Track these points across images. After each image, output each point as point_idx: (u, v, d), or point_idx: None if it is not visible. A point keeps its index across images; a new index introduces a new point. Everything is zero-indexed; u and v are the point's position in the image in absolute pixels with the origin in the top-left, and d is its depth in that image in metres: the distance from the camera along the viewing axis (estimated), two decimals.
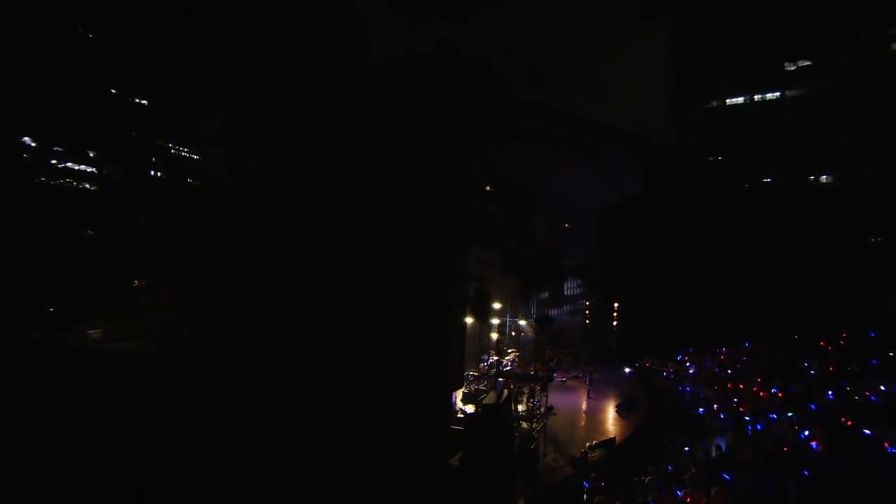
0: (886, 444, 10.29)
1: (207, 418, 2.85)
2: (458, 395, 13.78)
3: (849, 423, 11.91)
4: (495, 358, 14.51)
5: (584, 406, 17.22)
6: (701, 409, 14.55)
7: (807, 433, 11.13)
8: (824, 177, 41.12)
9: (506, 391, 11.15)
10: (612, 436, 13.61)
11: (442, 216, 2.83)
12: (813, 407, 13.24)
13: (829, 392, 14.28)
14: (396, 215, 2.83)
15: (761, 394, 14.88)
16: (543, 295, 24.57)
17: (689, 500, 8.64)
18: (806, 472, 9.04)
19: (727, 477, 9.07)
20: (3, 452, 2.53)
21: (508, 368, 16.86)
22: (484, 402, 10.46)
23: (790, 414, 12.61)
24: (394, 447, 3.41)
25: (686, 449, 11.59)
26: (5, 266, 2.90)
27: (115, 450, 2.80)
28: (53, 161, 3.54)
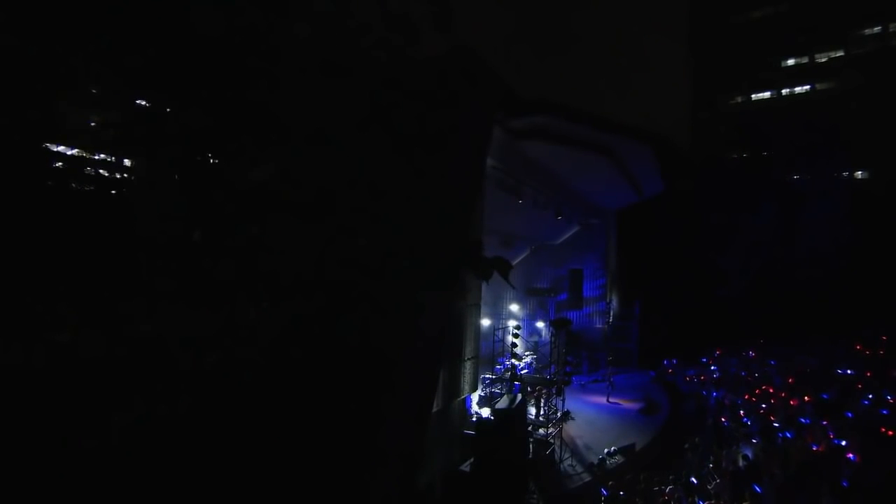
0: None
1: (208, 418, 2.87)
2: (474, 398, 13.66)
3: (889, 433, 11.20)
4: (511, 361, 14.35)
5: (602, 410, 16.81)
6: (726, 415, 13.98)
7: (844, 443, 10.52)
8: (858, 173, 39.01)
9: (520, 395, 10.98)
10: (632, 441, 13.20)
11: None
12: (850, 415, 12.52)
13: (865, 399, 13.48)
14: (397, 214, 2.78)
15: (791, 401, 14.18)
16: (562, 297, 24.20)
17: None
18: (845, 483, 8.53)
19: (757, 489, 8.65)
20: (22, 455, 2.60)
21: (525, 371, 16.62)
22: (497, 406, 10.33)
23: (824, 422, 11.96)
24: (395, 449, 3.38)
25: (710, 457, 11.14)
26: (31, 269, 2.97)
27: (128, 448, 2.84)
28: (87, 168, 3.61)
